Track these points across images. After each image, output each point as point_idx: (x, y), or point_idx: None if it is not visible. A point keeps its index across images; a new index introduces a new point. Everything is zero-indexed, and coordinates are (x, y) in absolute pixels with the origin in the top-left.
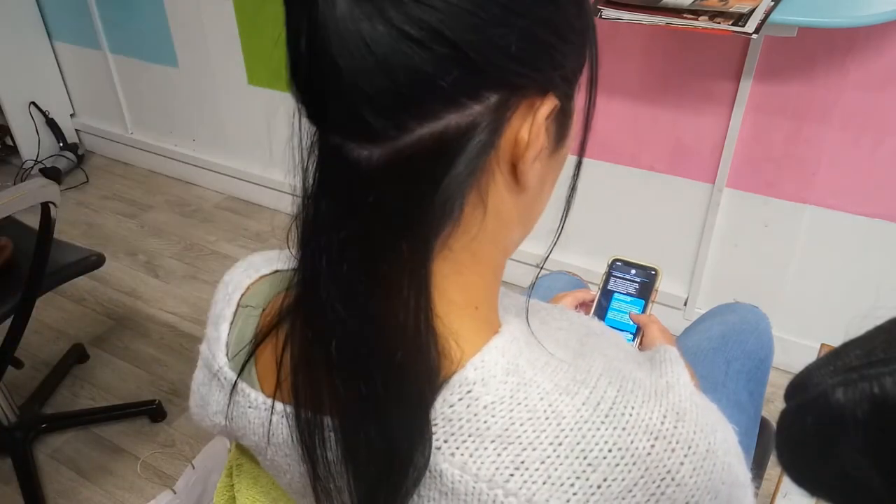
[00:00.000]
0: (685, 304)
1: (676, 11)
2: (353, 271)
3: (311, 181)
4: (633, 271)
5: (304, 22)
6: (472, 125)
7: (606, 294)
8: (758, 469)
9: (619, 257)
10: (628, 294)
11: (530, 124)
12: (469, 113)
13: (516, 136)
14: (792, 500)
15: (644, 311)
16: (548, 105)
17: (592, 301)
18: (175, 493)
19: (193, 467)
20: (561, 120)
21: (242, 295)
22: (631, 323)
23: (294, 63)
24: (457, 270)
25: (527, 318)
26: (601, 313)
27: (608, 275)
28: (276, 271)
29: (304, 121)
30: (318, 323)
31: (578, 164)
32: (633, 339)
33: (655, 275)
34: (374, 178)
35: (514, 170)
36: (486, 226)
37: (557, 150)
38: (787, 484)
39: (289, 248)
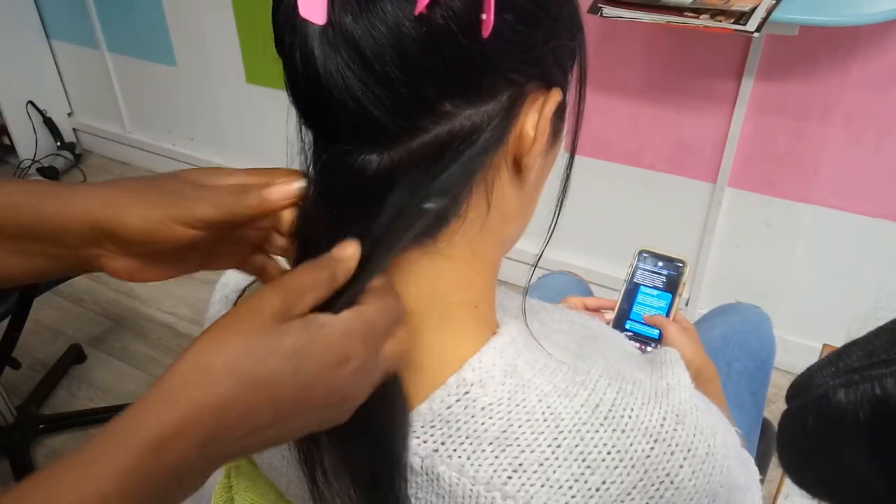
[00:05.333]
0: (686, 304)
1: (677, 10)
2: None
3: (314, 185)
4: (660, 263)
5: (297, 42)
6: (484, 121)
7: (632, 287)
8: (759, 470)
9: (645, 248)
10: (655, 287)
11: (536, 119)
12: (483, 110)
13: (522, 130)
14: (793, 500)
15: (671, 304)
16: (553, 99)
17: (599, 309)
18: None
19: None
20: (559, 114)
21: (240, 296)
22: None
23: (293, 77)
24: (457, 268)
25: (524, 319)
26: (627, 307)
27: (635, 267)
28: None
29: (300, 123)
30: None
31: (571, 159)
32: (658, 340)
33: (683, 267)
34: (386, 179)
35: (517, 164)
36: (489, 221)
37: (554, 145)
38: (789, 485)
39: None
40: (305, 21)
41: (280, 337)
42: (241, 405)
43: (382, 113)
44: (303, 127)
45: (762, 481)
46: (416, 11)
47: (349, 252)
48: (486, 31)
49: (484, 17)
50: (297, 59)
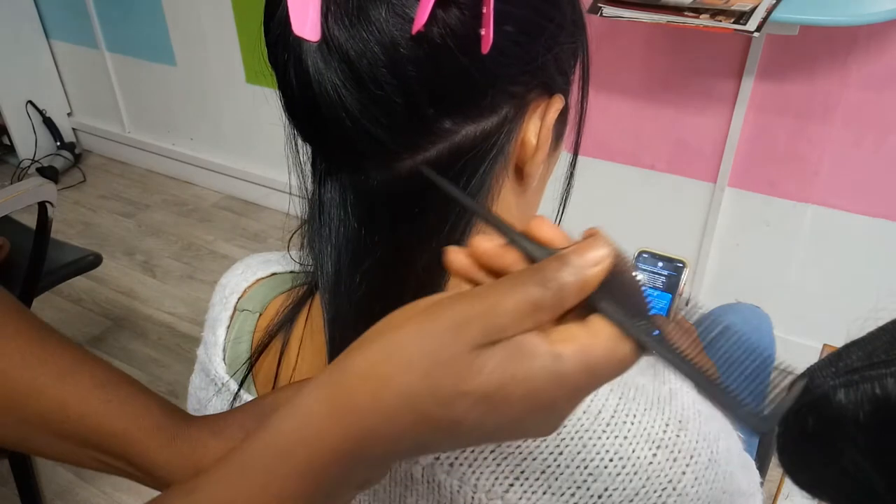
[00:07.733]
0: (686, 304)
1: (677, 9)
2: (366, 283)
3: (316, 196)
4: (660, 264)
5: (291, 59)
6: (487, 134)
7: None
8: (759, 471)
9: (645, 249)
10: (654, 288)
11: (538, 127)
12: (484, 125)
13: (524, 139)
14: (794, 501)
15: (671, 305)
16: (556, 106)
17: None
18: None
19: None
20: (561, 118)
21: (239, 298)
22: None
23: (287, 93)
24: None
25: None
26: None
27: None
28: (273, 274)
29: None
30: (332, 329)
31: (574, 159)
32: None
33: (683, 267)
34: (389, 196)
35: (519, 172)
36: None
37: (556, 149)
38: (789, 485)
39: (288, 252)
40: (299, 38)
41: (474, 375)
42: (410, 441)
43: (380, 132)
44: (298, 140)
45: (761, 483)
46: (414, 30)
47: (601, 253)
48: (486, 48)
49: (483, 32)
50: (291, 76)
